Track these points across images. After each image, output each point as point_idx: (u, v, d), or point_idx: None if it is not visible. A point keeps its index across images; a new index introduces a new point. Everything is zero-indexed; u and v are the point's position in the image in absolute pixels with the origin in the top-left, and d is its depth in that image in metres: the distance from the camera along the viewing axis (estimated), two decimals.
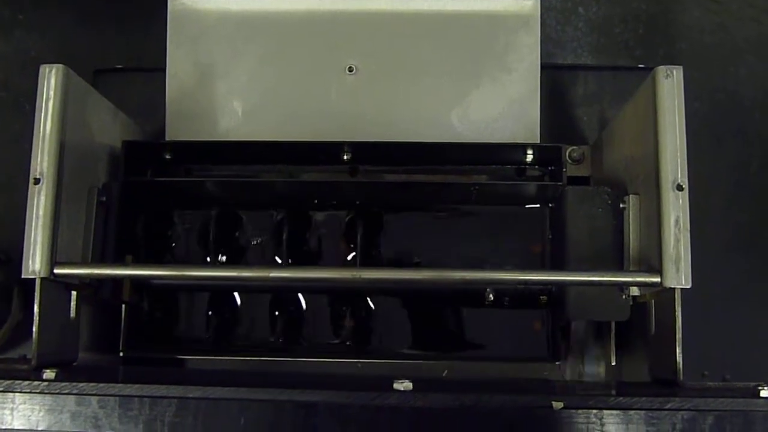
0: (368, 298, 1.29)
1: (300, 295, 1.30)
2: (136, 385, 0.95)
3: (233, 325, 1.32)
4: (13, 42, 1.53)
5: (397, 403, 0.92)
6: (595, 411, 0.90)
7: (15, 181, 1.49)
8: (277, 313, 1.31)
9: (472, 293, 1.25)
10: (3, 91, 1.53)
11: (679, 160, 1.05)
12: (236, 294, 1.30)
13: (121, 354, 1.29)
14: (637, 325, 1.18)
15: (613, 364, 1.27)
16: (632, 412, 0.90)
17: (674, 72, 1.07)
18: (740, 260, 1.38)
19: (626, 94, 1.36)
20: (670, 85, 1.06)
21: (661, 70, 1.07)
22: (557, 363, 1.28)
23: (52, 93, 1.09)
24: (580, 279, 1.09)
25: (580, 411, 0.91)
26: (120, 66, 1.46)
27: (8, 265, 1.38)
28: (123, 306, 1.29)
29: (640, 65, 1.44)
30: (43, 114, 1.08)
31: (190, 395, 0.94)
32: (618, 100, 1.42)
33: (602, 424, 0.90)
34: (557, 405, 0.91)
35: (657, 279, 1.04)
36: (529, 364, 1.29)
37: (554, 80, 1.42)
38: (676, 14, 1.48)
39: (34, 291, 1.08)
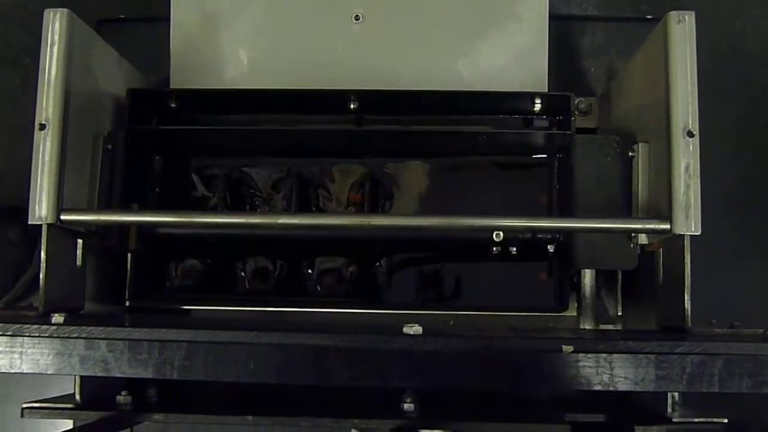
0: (375, 249, 1.29)
1: (307, 247, 1.29)
2: (146, 329, 0.95)
3: (239, 276, 1.31)
4: None
5: (408, 346, 0.92)
6: (604, 355, 0.90)
7: (17, 135, 1.49)
8: (284, 263, 1.31)
9: (479, 243, 1.24)
10: (4, 46, 1.51)
11: (690, 107, 1.04)
12: (243, 244, 1.29)
13: (127, 304, 1.29)
14: (644, 276, 1.18)
15: (620, 314, 1.27)
16: (642, 356, 0.90)
17: (686, 18, 1.06)
18: (745, 214, 1.38)
19: (634, 45, 1.34)
20: (682, 31, 1.05)
21: (673, 15, 1.06)
22: (563, 313, 1.27)
23: (56, 38, 1.07)
24: (590, 226, 1.09)
25: (589, 355, 0.90)
26: (123, 16, 1.45)
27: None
28: (129, 255, 1.29)
29: (648, 16, 1.42)
30: (48, 59, 1.07)
31: (200, 339, 0.94)
32: (625, 51, 1.40)
33: (612, 368, 0.90)
34: (567, 349, 0.91)
35: (666, 226, 1.04)
36: (535, 315, 1.29)
37: (562, 31, 1.40)
38: None
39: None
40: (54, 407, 1.16)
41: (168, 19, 1.35)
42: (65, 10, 1.08)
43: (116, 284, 1.29)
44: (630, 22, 1.42)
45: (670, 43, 1.05)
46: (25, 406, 1.15)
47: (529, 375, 0.92)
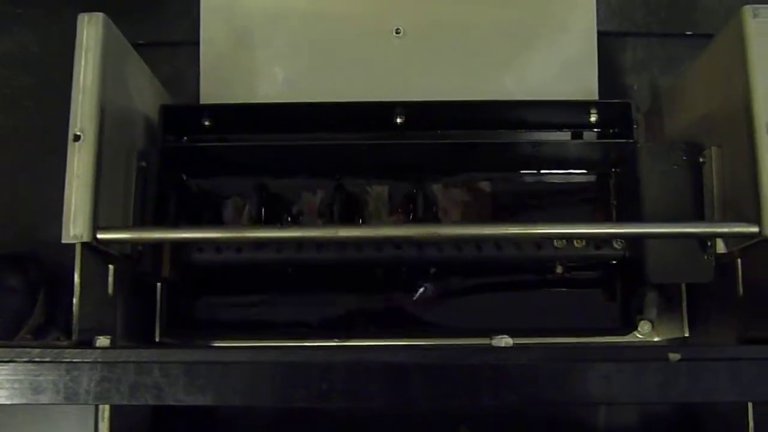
0: (425, 272, 1.20)
1: (352, 273, 1.20)
2: (203, 351, 0.85)
3: (280, 309, 1.22)
4: (12, 38, 1.45)
5: (500, 361, 0.84)
6: (722, 362, 0.82)
7: (17, 179, 1.41)
8: (327, 293, 1.21)
9: (536, 262, 1.17)
10: (4, 88, 1.44)
11: None
12: (283, 273, 1.19)
13: (157, 341, 1.18)
14: (713, 291, 1.11)
15: (686, 335, 1.19)
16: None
17: (761, 11, 1.01)
18: None
19: (677, 62, 1.31)
20: (758, 24, 1.00)
21: (748, 9, 1.01)
22: (625, 336, 1.19)
23: (92, 43, 0.98)
24: (672, 231, 1.01)
25: (706, 362, 0.82)
26: (142, 41, 1.37)
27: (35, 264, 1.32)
28: (158, 288, 1.18)
29: (688, 32, 1.38)
30: (83, 65, 0.98)
31: (266, 359, 0.84)
32: (668, 68, 1.37)
33: (731, 376, 0.82)
34: (674, 357, 0.83)
35: (755, 229, 0.97)
36: (601, 338, 1.20)
37: (603, 47, 1.35)
38: None
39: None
40: None
41: (190, 43, 1.28)
42: (101, 14, 1.00)
43: (145, 320, 1.18)
44: (672, 38, 1.39)
45: (747, 37, 1.00)
46: None
47: (635, 386, 0.83)
